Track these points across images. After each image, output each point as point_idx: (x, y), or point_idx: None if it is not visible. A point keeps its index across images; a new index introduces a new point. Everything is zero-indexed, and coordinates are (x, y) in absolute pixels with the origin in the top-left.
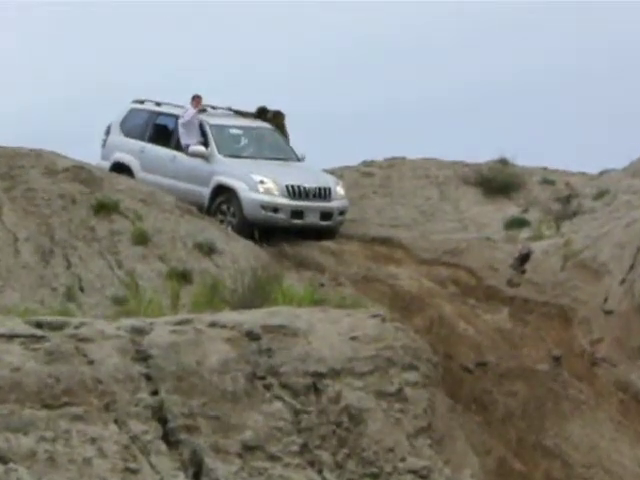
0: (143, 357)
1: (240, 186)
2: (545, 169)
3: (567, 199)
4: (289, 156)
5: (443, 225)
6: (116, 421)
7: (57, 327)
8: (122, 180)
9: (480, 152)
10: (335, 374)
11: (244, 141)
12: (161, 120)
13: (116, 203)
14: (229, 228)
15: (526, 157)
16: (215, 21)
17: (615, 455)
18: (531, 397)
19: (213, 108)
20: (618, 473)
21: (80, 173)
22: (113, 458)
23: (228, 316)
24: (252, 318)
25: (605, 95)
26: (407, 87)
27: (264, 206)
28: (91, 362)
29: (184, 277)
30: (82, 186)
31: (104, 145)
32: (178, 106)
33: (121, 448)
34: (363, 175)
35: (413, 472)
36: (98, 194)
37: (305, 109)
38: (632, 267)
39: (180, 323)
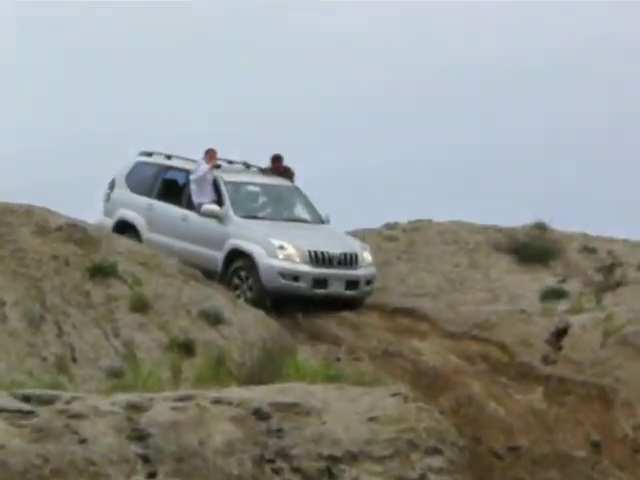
0: (140, 436)
1: (257, 251)
2: (585, 235)
3: (609, 269)
4: (312, 218)
5: (473, 295)
6: None
7: (46, 401)
8: (120, 241)
9: (514, 216)
10: (352, 458)
11: (262, 200)
12: (171, 175)
13: (113, 266)
14: (242, 298)
15: (565, 222)
16: (228, 73)
17: None
18: None
19: (229, 163)
20: None
21: (74, 232)
22: None
23: (234, 392)
24: (261, 395)
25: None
26: (436, 145)
27: (284, 274)
28: (83, 441)
29: (187, 348)
30: (76, 247)
31: (107, 200)
32: (190, 160)
33: None
34: (385, 239)
35: None
36: (94, 256)
37: (324, 166)
38: None
39: (181, 399)
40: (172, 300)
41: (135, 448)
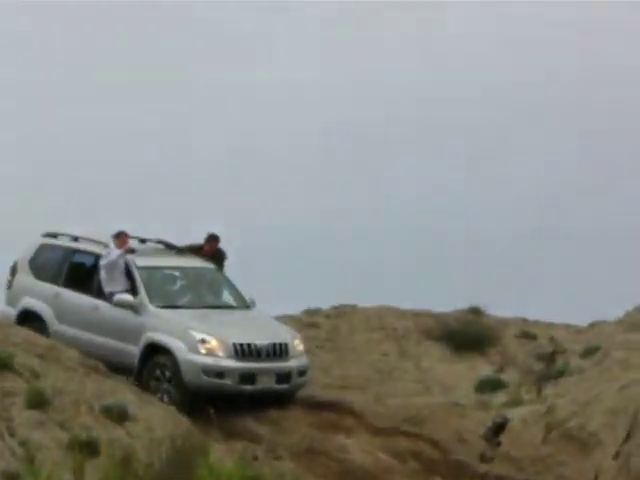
0: None
1: (177, 346)
2: (524, 320)
3: (551, 357)
4: (236, 302)
5: (403, 386)
6: None
7: None
8: (15, 331)
9: (447, 300)
10: None
11: (181, 286)
12: (79, 259)
13: (9, 358)
14: (165, 398)
15: (501, 307)
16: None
17: None
18: None
19: (142, 241)
20: None
21: None
22: None
23: None
24: None
25: (595, 235)
26: (355, 217)
27: (207, 370)
28: None
29: (90, 448)
30: None
31: (9, 287)
32: (100, 242)
33: None
34: (307, 326)
35: None
36: None
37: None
38: (628, 437)
39: None
40: (73, 395)
41: None
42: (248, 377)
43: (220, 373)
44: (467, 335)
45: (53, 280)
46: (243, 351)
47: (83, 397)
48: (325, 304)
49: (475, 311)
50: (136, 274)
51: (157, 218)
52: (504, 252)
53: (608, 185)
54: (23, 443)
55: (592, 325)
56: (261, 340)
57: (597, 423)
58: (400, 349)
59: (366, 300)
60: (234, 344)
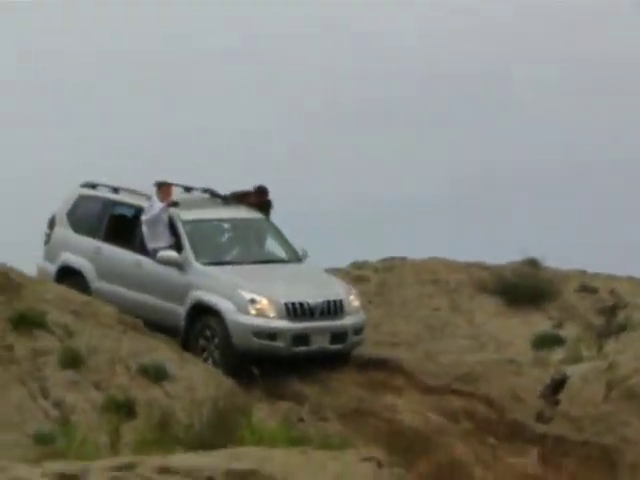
0: None
1: (225, 307)
2: (584, 273)
3: (612, 310)
4: (287, 256)
5: (455, 343)
6: None
7: None
8: (49, 287)
9: (502, 252)
10: None
11: (228, 240)
12: (119, 211)
13: (41, 316)
14: (212, 361)
15: (560, 258)
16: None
17: None
18: None
19: (186, 190)
20: None
21: None
22: None
23: (182, 459)
24: (212, 461)
25: None
26: (410, 174)
27: (257, 332)
28: None
29: (126, 409)
30: None
31: (47, 242)
32: (142, 194)
33: None
34: (354, 280)
35: None
36: (17, 304)
37: (283, 200)
38: None
39: (121, 468)
40: (109, 354)
41: None
42: (301, 338)
43: (272, 335)
44: (523, 288)
45: (93, 234)
46: (295, 311)
47: (119, 356)
48: (373, 257)
49: (532, 263)
50: (181, 229)
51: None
52: (563, 202)
53: None
54: (57, 404)
55: None
56: (314, 298)
57: None
58: (452, 303)
59: (416, 252)
60: (286, 304)
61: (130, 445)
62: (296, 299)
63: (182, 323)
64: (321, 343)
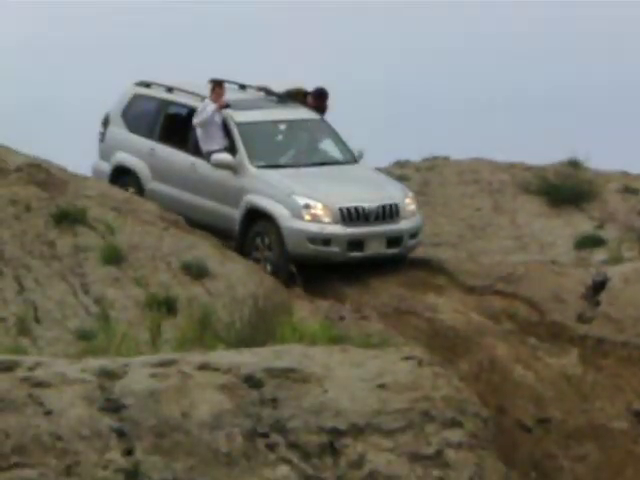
0: (114, 407)
1: (279, 212)
2: (626, 174)
3: None
4: (343, 157)
5: (497, 243)
6: None
7: (6, 368)
8: (91, 183)
9: (545, 152)
10: (358, 431)
11: (283, 142)
12: (174, 111)
13: (82, 212)
14: (268, 267)
15: (602, 159)
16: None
17: None
18: (605, 462)
19: (241, 87)
20: None
21: (36, 173)
22: None
23: (222, 357)
24: (253, 359)
25: None
26: (455, 77)
27: (312, 238)
28: (49, 413)
29: (167, 306)
30: (39, 190)
31: (102, 140)
32: (196, 94)
33: None
34: (396, 179)
35: None
36: (59, 200)
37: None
38: None
39: (162, 365)
40: (150, 251)
41: (109, 421)
42: (357, 243)
43: (326, 240)
44: (566, 189)
45: (147, 134)
46: (350, 215)
47: (160, 253)
48: (416, 156)
49: (574, 164)
50: (234, 131)
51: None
52: (606, 101)
53: None
54: (97, 300)
55: None
56: (369, 202)
57: None
58: (495, 204)
59: (459, 152)
60: (340, 209)
61: (171, 342)
62: (351, 204)
63: (236, 227)
64: (376, 248)
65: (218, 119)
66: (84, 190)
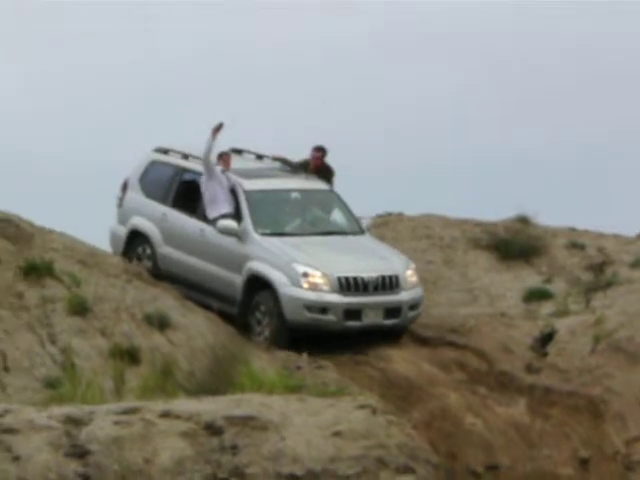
0: (80, 453)
1: (278, 279)
2: (573, 230)
3: (600, 267)
4: (350, 228)
5: (448, 296)
6: None
7: None
8: (56, 237)
9: (494, 209)
10: (314, 477)
11: (291, 211)
12: (188, 178)
13: (49, 265)
14: (265, 334)
15: (550, 216)
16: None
17: None
18: None
19: (259, 157)
20: None
21: (6, 227)
22: None
23: (184, 405)
24: (213, 407)
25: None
26: (406, 136)
27: (309, 306)
28: (17, 458)
29: (131, 356)
30: (8, 243)
31: (120, 205)
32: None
33: None
34: None
35: None
36: (28, 253)
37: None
38: None
39: (125, 412)
40: (114, 302)
41: (74, 466)
42: (353, 313)
43: (323, 309)
44: (515, 244)
45: (162, 199)
46: (349, 285)
47: (124, 304)
48: (369, 212)
49: (523, 220)
50: (242, 198)
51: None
52: (552, 160)
53: None
54: (64, 350)
55: None
56: (369, 272)
57: None
58: (446, 258)
59: (412, 209)
60: (339, 277)
61: (134, 390)
62: (350, 273)
63: (238, 294)
64: (374, 318)
65: (225, 183)
66: (50, 243)
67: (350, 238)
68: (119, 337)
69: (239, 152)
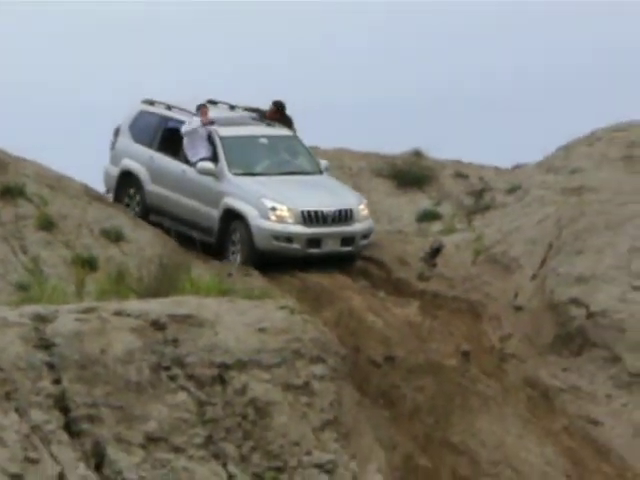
0: (46, 345)
1: (250, 213)
2: (459, 162)
3: (480, 193)
4: (311, 168)
5: None
6: (17, 410)
7: None
8: (28, 164)
9: (394, 144)
10: (242, 366)
11: (260, 154)
12: (171, 125)
13: (22, 188)
14: (238, 258)
15: (440, 150)
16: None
17: (522, 452)
18: (439, 392)
19: (231, 108)
20: (524, 470)
21: None
22: (13, 447)
23: (134, 305)
24: (158, 307)
25: (518, 88)
26: (324, 78)
27: (276, 236)
28: None
29: (90, 264)
30: None
31: (112, 148)
32: (191, 112)
33: (21, 437)
34: None
35: (319, 466)
36: (3, 178)
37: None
38: (543, 263)
39: (85, 311)
40: (76, 220)
41: (41, 356)
42: (315, 241)
43: (289, 238)
44: (410, 174)
45: (149, 144)
46: (311, 217)
47: (85, 221)
48: None
49: (418, 154)
50: (218, 143)
51: None
52: (449, 97)
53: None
54: (33, 259)
55: (516, 167)
56: (328, 207)
57: (518, 250)
58: (354, 185)
59: (326, 143)
60: (302, 211)
61: (92, 293)
62: (312, 207)
63: (216, 225)
64: (332, 246)
65: (203, 132)
66: (23, 170)
67: (311, 177)
68: (80, 248)
69: (215, 103)
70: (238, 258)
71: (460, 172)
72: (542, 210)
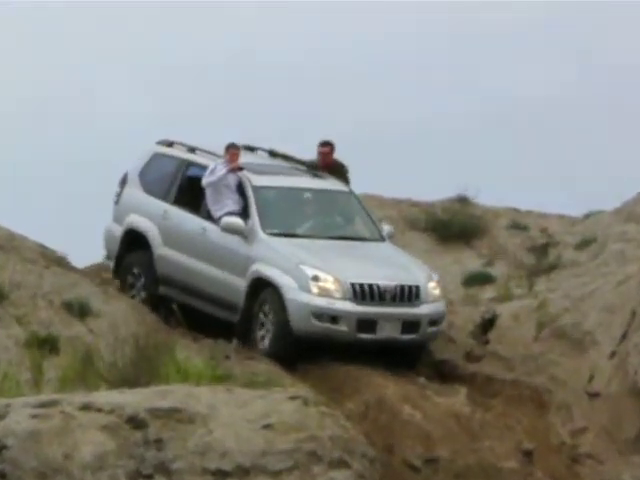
0: None
1: (285, 282)
2: (515, 210)
3: (543, 249)
4: (369, 234)
5: None
6: None
7: None
8: None
9: (433, 189)
10: (243, 472)
11: (303, 211)
12: (193, 173)
13: None
14: (266, 344)
15: (491, 195)
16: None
17: None
18: None
19: (271, 154)
20: None
21: None
22: None
23: (105, 397)
24: (136, 399)
25: (590, 122)
26: (343, 109)
27: (318, 314)
28: None
29: (49, 345)
30: None
31: (117, 202)
32: (218, 155)
33: None
34: None
35: None
36: None
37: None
38: (624, 337)
39: (44, 405)
40: (32, 289)
41: None
42: (367, 324)
43: (334, 317)
44: (454, 226)
45: (163, 196)
46: (363, 293)
47: (42, 291)
48: None
49: (463, 200)
50: (250, 195)
51: None
52: (493, 138)
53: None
54: None
55: (587, 216)
56: (386, 280)
57: (592, 321)
58: None
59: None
60: (352, 284)
61: (53, 382)
62: (365, 280)
63: (241, 300)
64: (390, 331)
65: (232, 181)
66: None
67: (368, 244)
68: (36, 326)
69: (253, 150)
70: (267, 343)
71: (517, 223)
72: (622, 269)
